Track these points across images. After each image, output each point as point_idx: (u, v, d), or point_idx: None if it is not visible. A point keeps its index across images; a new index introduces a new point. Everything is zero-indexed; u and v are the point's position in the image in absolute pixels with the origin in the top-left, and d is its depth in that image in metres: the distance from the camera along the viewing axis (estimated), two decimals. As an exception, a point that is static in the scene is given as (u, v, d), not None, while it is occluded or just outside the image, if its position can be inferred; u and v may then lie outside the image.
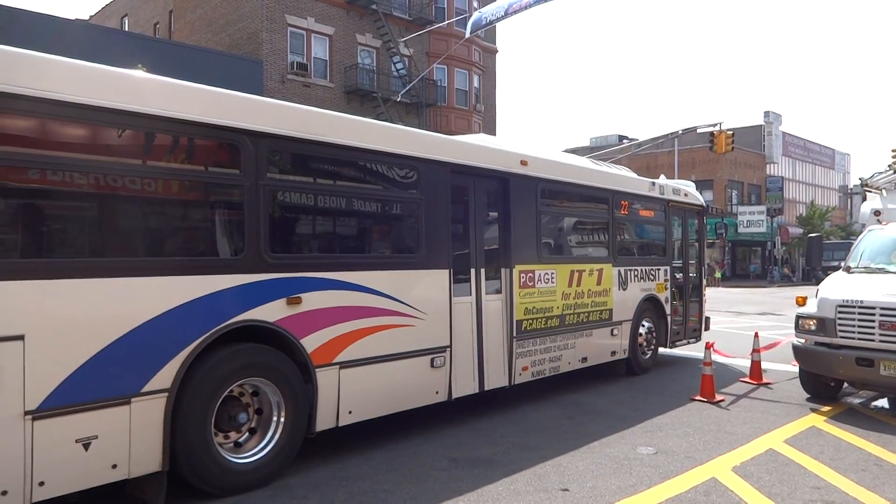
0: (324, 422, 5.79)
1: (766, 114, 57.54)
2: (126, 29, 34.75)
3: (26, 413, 4.05)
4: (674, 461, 6.15)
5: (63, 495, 4.29)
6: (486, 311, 7.48)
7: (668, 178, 11.66)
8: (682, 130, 28.94)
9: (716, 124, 25.38)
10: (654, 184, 10.95)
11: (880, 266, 8.75)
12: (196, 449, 4.88)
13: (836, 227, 57.82)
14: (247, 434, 5.40)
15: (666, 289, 10.93)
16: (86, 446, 4.31)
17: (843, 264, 9.29)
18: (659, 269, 10.74)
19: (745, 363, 10.75)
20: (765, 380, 9.81)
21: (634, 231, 10.62)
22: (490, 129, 33.22)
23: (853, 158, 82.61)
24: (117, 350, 4.44)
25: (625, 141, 53.42)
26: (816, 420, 7.69)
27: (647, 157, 50.96)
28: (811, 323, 8.21)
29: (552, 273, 8.35)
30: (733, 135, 25.48)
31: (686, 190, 11.95)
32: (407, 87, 25.63)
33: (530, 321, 8.01)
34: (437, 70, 29.08)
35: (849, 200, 69.74)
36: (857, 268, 8.93)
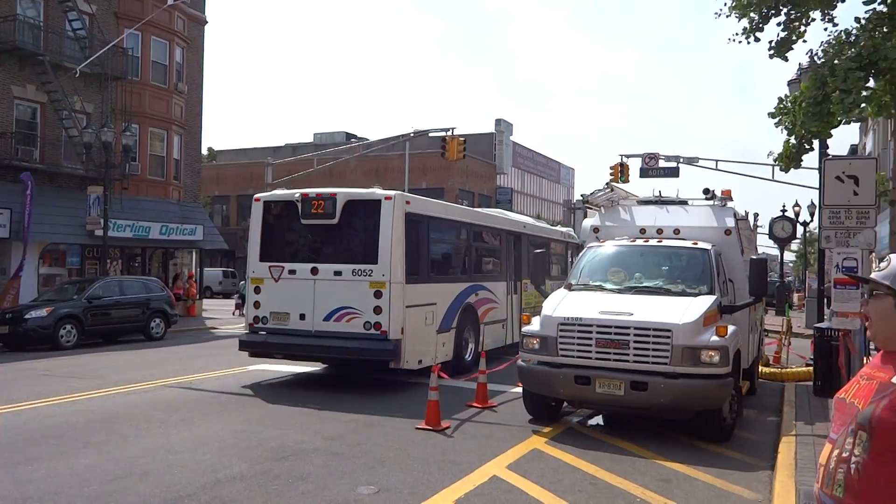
0: (479, 347, 14.50)
1: (498, 122, 63.44)
2: None
3: (436, 331, 13.11)
4: (397, 499, 6.37)
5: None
6: (514, 302, 17.07)
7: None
8: (414, 133, 30.62)
9: (448, 129, 27.31)
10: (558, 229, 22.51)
11: (598, 283, 10.09)
12: (461, 352, 14.10)
13: (561, 242, 65.52)
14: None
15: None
16: (443, 345, 13.31)
17: (565, 281, 10.54)
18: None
19: (470, 385, 11.61)
20: (490, 402, 10.70)
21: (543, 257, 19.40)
22: (195, 114, 31.78)
23: (578, 173, 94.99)
24: (448, 312, 13.58)
25: (353, 140, 54.91)
26: (538, 442, 8.59)
27: (377, 159, 52.94)
28: (535, 342, 9.16)
29: (526, 284, 17.46)
30: (465, 141, 27.64)
31: (564, 231, 22.61)
32: (90, 59, 23.41)
33: (525, 310, 16.77)
34: (128, 36, 26.94)
35: (572, 215, 79.64)
36: (577, 285, 10.19)
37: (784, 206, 36.40)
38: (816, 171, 15.43)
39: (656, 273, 10.13)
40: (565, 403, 9.94)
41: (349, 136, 63.12)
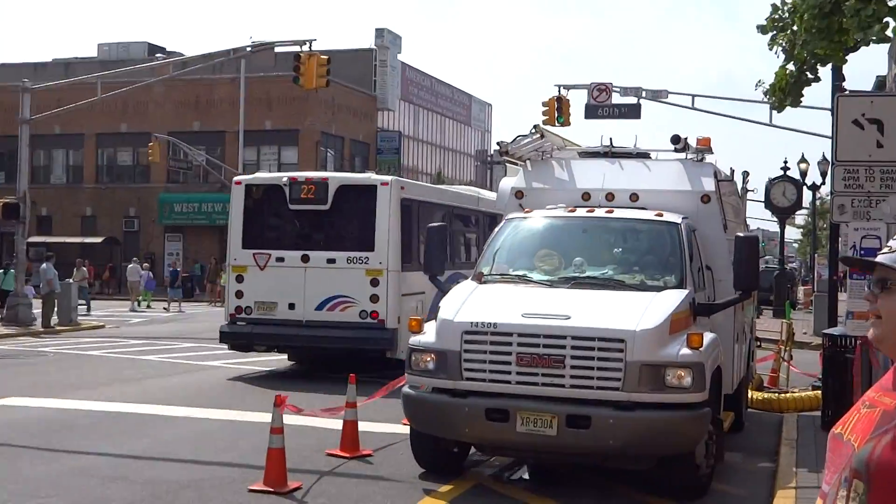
0: None
1: (380, 33, 62.99)
2: None
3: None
4: None
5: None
6: None
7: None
8: (252, 47, 30.08)
9: (304, 42, 26.85)
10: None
11: (521, 273, 10.18)
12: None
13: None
14: None
15: None
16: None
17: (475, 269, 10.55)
18: None
19: (334, 424, 11.49)
20: (363, 450, 10.64)
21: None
22: None
23: (497, 110, 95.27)
24: (434, 301, 13.46)
25: (159, 56, 53.48)
26: (432, 507, 8.62)
27: (198, 85, 51.81)
28: (428, 359, 9.13)
29: None
30: (330, 61, 27.18)
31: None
32: None
33: None
34: None
35: (489, 172, 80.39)
36: (491, 275, 10.22)
37: (786, 162, 37.58)
38: (829, 113, 16.05)
39: (605, 258, 10.31)
40: (473, 449, 10.01)
41: (154, 49, 61.47)
